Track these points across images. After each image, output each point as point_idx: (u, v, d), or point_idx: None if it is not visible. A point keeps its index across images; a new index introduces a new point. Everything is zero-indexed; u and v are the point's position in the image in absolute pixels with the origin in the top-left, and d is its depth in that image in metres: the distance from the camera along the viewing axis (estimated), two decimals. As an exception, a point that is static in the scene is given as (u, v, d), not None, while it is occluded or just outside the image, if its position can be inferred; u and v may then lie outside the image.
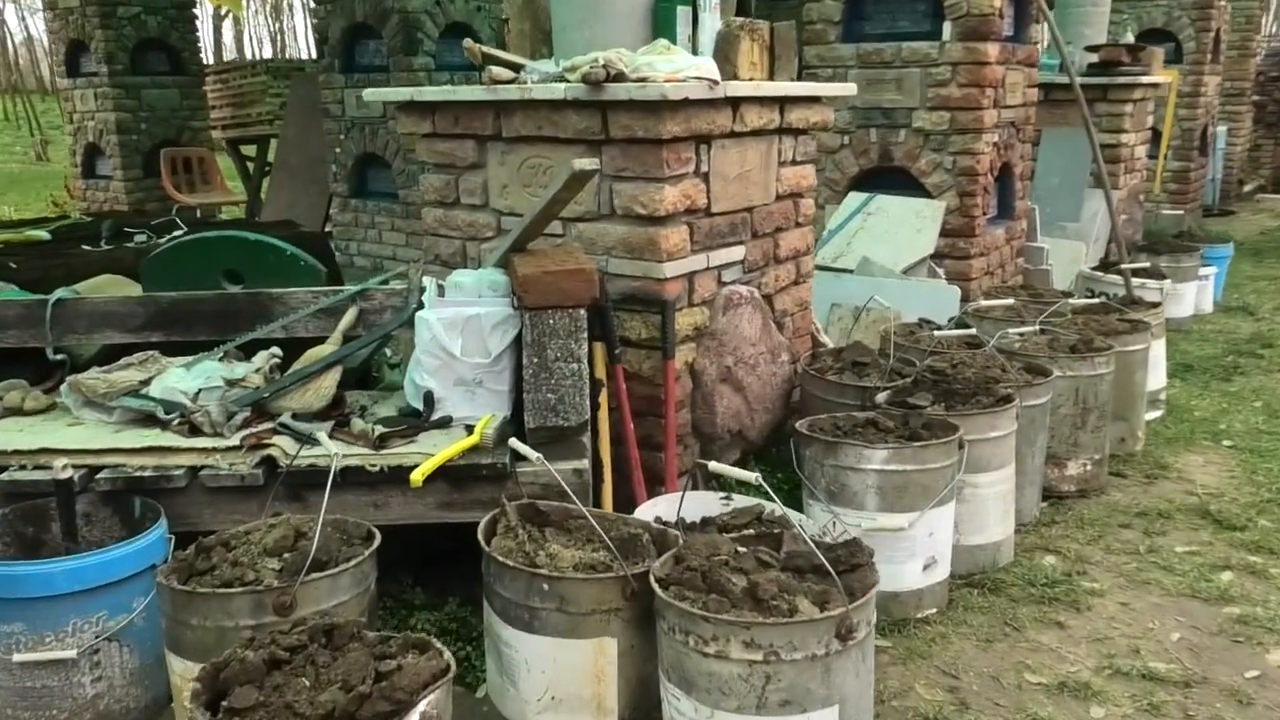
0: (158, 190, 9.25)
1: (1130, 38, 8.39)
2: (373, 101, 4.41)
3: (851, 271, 5.41)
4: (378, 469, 2.67)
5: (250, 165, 10.57)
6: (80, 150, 9.78)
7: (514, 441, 2.66)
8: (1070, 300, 4.70)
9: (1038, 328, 4.21)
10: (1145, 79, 7.89)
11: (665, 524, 2.60)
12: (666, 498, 2.97)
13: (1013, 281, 6.15)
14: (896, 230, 5.46)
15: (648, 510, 2.85)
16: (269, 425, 2.86)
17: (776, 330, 3.76)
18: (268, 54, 37.41)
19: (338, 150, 7.90)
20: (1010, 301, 4.75)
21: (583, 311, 2.80)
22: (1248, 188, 15.55)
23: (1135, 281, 6.00)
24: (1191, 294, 6.77)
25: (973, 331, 4.30)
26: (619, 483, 3.08)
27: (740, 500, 2.93)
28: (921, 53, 5.44)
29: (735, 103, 3.32)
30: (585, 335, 2.82)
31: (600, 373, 3.03)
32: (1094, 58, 8.03)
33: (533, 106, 3.30)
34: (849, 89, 3.98)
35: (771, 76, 3.62)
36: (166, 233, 5.32)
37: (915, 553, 2.94)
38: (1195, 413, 4.86)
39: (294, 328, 3.27)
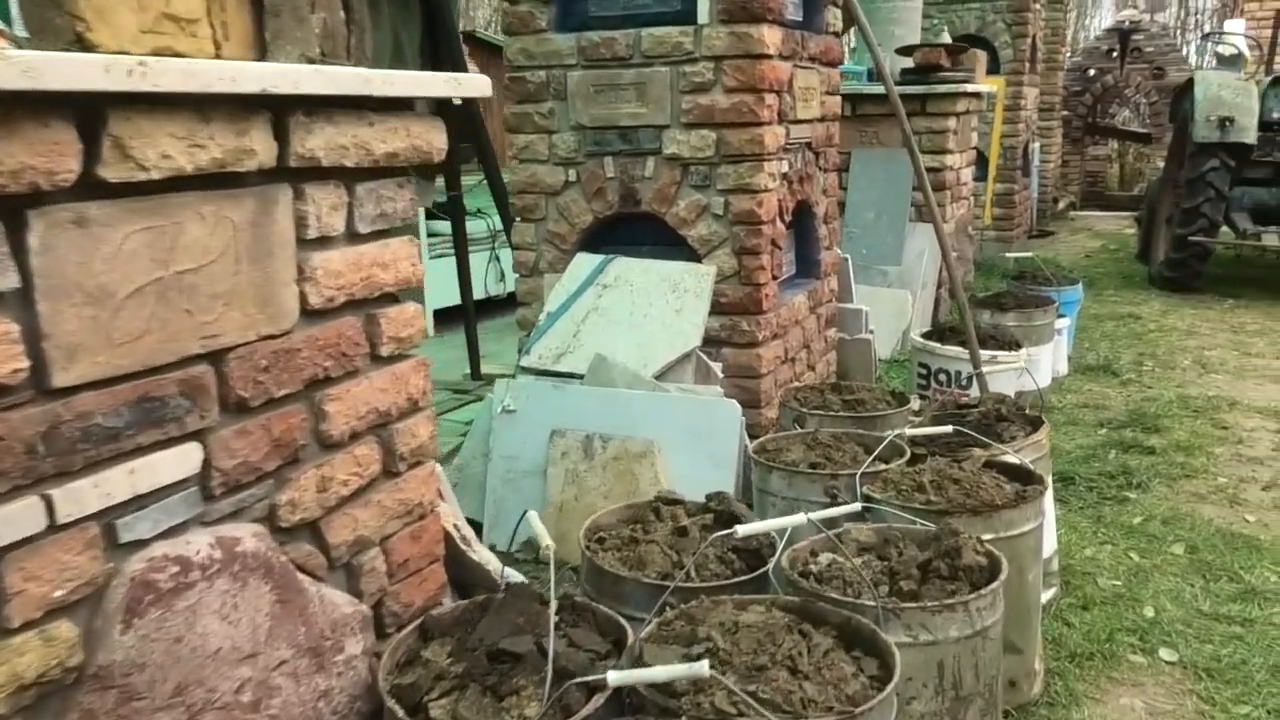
0: None
1: (948, 38, 6.97)
2: None
3: (580, 378, 3.52)
4: None
5: None
6: None
7: None
8: (905, 430, 2.92)
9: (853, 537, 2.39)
10: (969, 87, 6.42)
11: None
12: None
13: (822, 368, 4.41)
14: (646, 310, 3.60)
15: None
16: None
17: (330, 599, 1.76)
18: None
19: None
20: (810, 437, 2.95)
21: None
22: (1061, 205, 14.85)
23: (984, 358, 4.36)
24: (1048, 358, 5.24)
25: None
26: None
27: None
28: (670, 42, 3.62)
29: (99, 109, 1.31)
30: None
31: None
32: (908, 62, 6.52)
33: None
34: (475, 86, 2.03)
35: (263, 54, 1.65)
36: None
37: None
38: (1100, 582, 3.18)
39: None
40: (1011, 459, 2.83)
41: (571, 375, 3.56)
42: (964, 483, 2.48)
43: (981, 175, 8.41)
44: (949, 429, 2.84)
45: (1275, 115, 8.52)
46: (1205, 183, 7.78)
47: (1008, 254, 6.75)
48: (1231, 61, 9.44)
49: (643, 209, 3.81)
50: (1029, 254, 6.64)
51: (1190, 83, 8.33)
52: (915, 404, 3.95)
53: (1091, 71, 16.39)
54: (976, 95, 6.83)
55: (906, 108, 6.53)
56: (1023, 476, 2.63)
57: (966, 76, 6.46)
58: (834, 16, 4.27)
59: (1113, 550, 3.38)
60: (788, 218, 3.89)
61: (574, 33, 3.79)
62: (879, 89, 6.54)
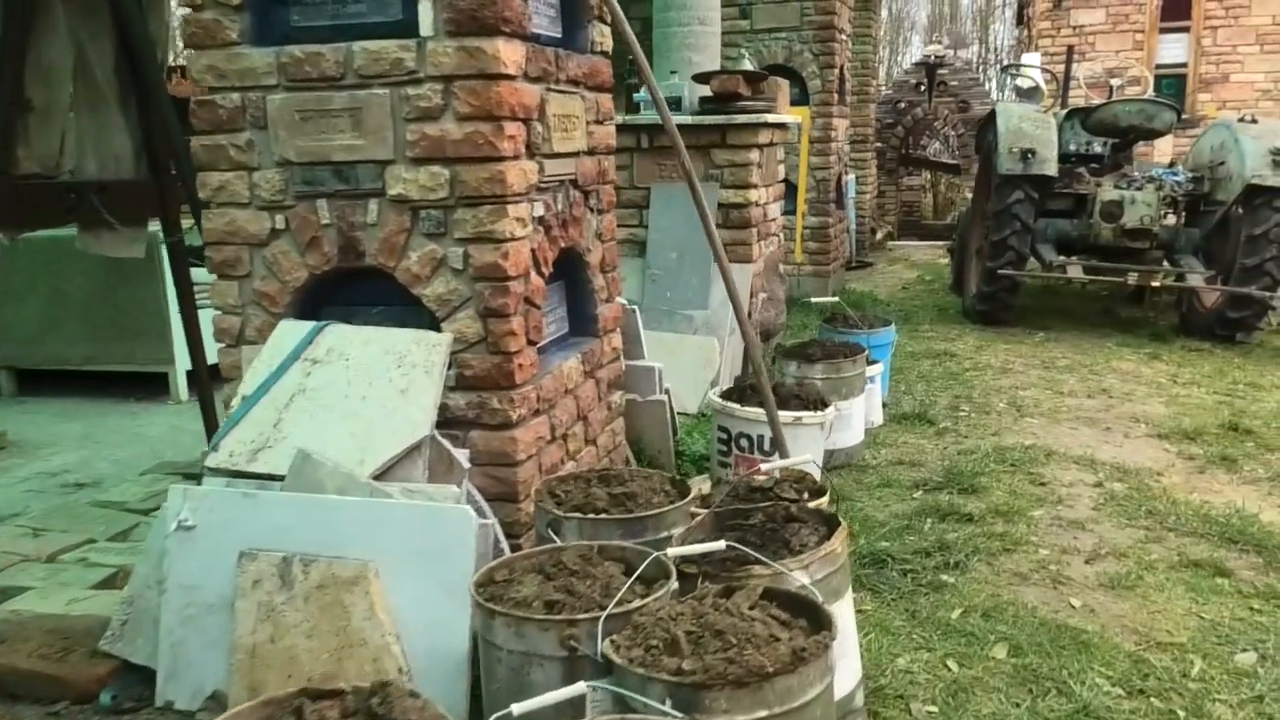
0: None
1: (749, 65, 6.58)
2: None
3: (280, 479, 2.76)
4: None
5: None
6: None
7: None
8: (668, 550, 2.31)
9: None
10: (771, 117, 6.01)
11: None
12: None
13: (606, 440, 3.78)
14: (365, 391, 2.88)
15: None
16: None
17: None
18: None
19: None
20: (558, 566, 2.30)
21: None
22: (879, 236, 14.98)
23: (786, 419, 3.86)
24: (860, 410, 4.81)
25: None
26: None
27: None
28: (389, 58, 2.94)
29: None
30: None
31: None
32: (707, 90, 6.06)
33: None
34: None
35: None
36: None
37: None
38: (915, 709, 2.66)
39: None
40: (800, 574, 2.26)
41: (271, 477, 2.80)
42: (730, 634, 1.88)
43: (790, 208, 8.09)
44: (720, 545, 2.24)
45: (1073, 147, 8.60)
46: (1011, 215, 7.69)
47: (811, 299, 6.39)
48: (1030, 94, 9.55)
49: (368, 263, 3.09)
50: (833, 298, 6.28)
51: (993, 115, 8.29)
52: (705, 485, 3.38)
53: (902, 104, 16.75)
54: (781, 126, 6.45)
55: (706, 139, 6.13)
56: (809, 611, 2.05)
57: (768, 106, 6.05)
58: (601, 34, 3.69)
59: (929, 659, 2.87)
60: (547, 269, 3.25)
61: (274, 47, 3.05)
62: (681, 118, 6.06)
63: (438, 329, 3.04)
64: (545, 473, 3.24)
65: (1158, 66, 11.66)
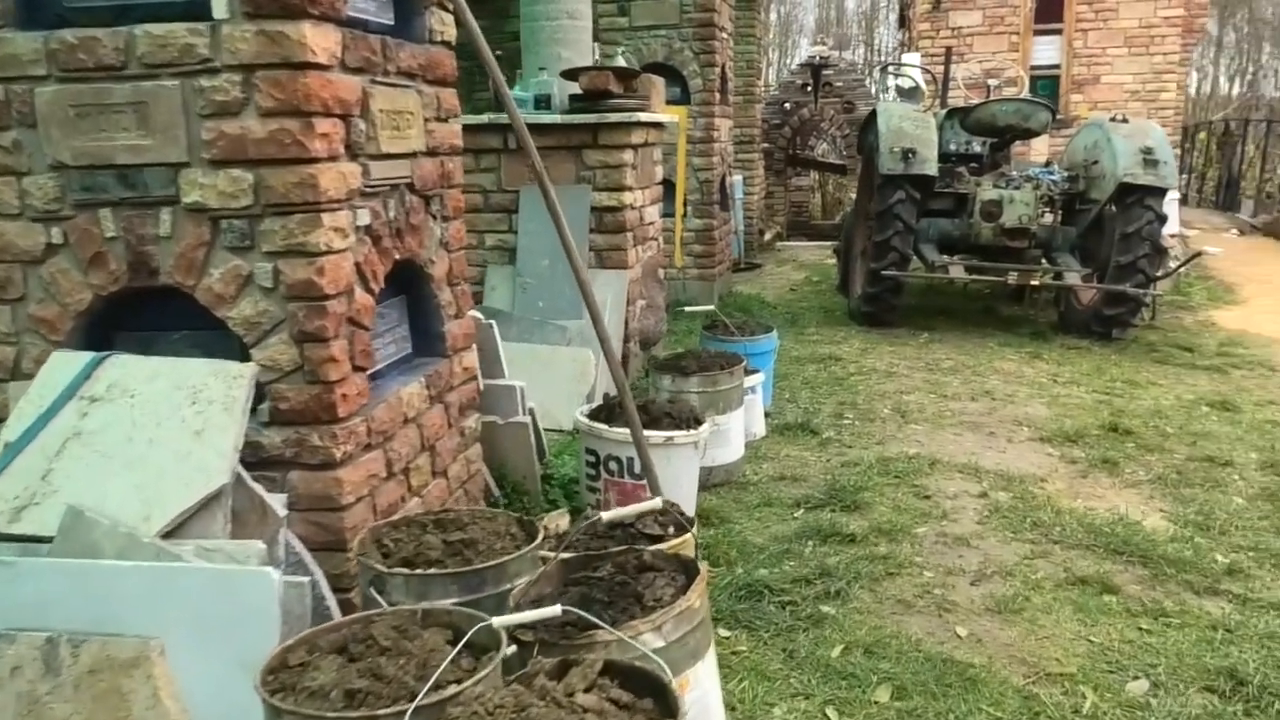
0: None
1: (622, 61, 6.28)
2: None
3: (48, 541, 2.33)
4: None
5: None
6: None
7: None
8: (497, 619, 1.98)
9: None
10: (645, 116, 5.73)
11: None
12: None
13: (459, 471, 3.41)
14: (153, 433, 2.46)
15: None
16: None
17: None
18: None
19: None
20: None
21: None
22: (768, 237, 14.92)
23: (657, 440, 3.58)
24: (739, 425, 4.56)
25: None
26: None
27: None
28: (178, 44, 2.53)
29: None
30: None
31: None
32: (576, 88, 5.74)
33: None
34: None
35: None
36: None
37: None
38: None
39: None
40: (652, 636, 1.97)
41: (38, 539, 2.36)
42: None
43: (669, 211, 7.84)
44: (556, 611, 1.92)
45: (953, 147, 8.60)
46: (894, 215, 7.61)
47: (686, 308, 6.14)
48: (910, 94, 9.54)
49: (163, 282, 2.67)
50: (709, 306, 6.04)
51: (873, 115, 8.21)
52: (563, 520, 3.06)
53: (789, 105, 16.77)
54: (657, 125, 6.19)
55: (577, 139, 5.80)
56: (658, 690, 1.75)
57: (641, 104, 5.78)
58: (442, 22, 3.34)
59: (807, 708, 2.61)
60: (378, 285, 2.88)
61: (43, 31, 2.61)
62: (551, 117, 5.74)
63: (248, 357, 2.64)
64: (382, 514, 2.87)
65: (1032, 68, 11.85)
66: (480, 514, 2.67)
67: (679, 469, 3.74)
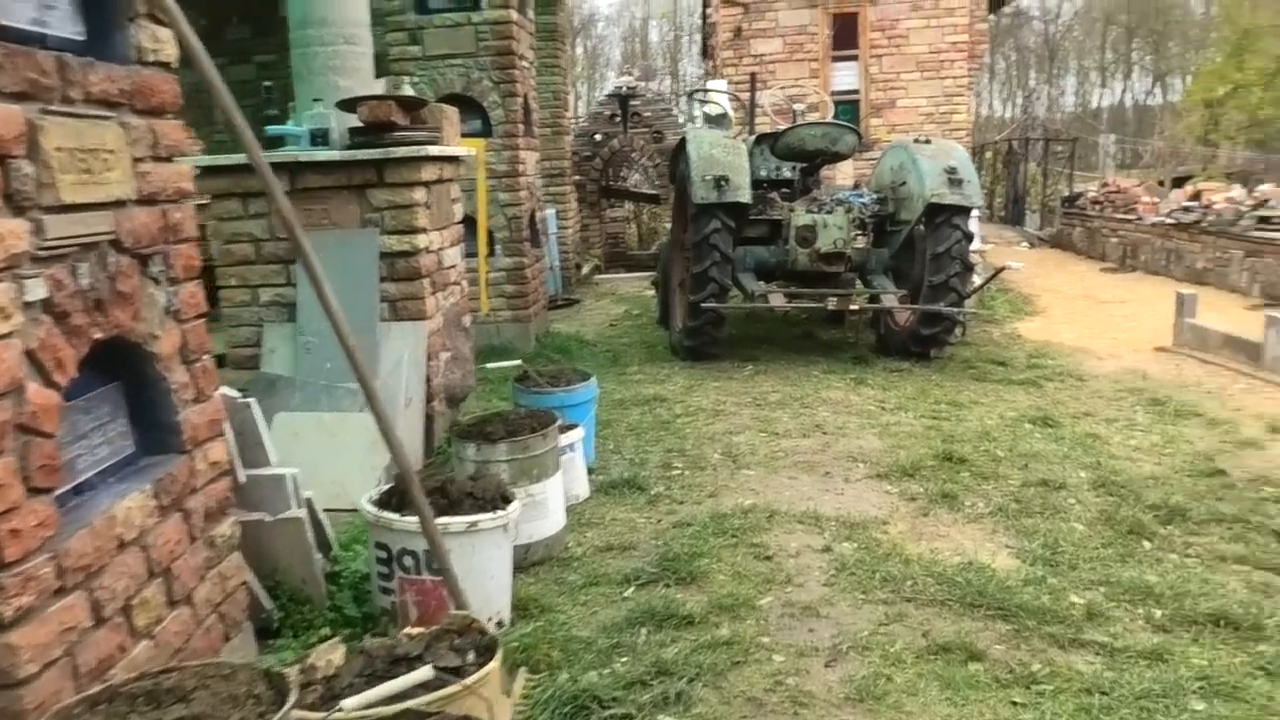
0: None
1: (409, 90, 5.72)
2: None
3: None
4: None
5: None
6: None
7: None
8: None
9: None
10: (436, 150, 5.18)
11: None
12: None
13: (209, 595, 2.73)
14: None
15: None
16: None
17: None
18: None
19: None
20: None
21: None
22: (585, 270, 14.57)
23: (458, 527, 3.04)
24: (558, 491, 4.05)
25: None
26: None
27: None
28: None
29: None
30: None
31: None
32: (357, 119, 5.13)
33: None
34: None
35: None
36: None
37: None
38: None
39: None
40: None
41: None
42: None
43: (473, 250, 7.29)
44: None
45: (764, 173, 8.46)
46: (710, 245, 7.34)
47: (488, 365, 5.61)
48: (718, 121, 9.37)
49: None
50: (514, 362, 5.54)
51: (684, 142, 7.95)
52: (335, 654, 2.45)
53: (598, 136, 16.55)
54: (452, 160, 5.64)
55: (360, 177, 5.15)
56: None
57: (431, 137, 5.22)
58: (155, 40, 2.70)
59: None
60: (66, 375, 2.21)
61: None
62: (329, 153, 5.11)
63: None
64: (91, 675, 2.19)
65: (834, 93, 12.01)
66: (213, 672, 2.04)
67: (487, 559, 3.20)
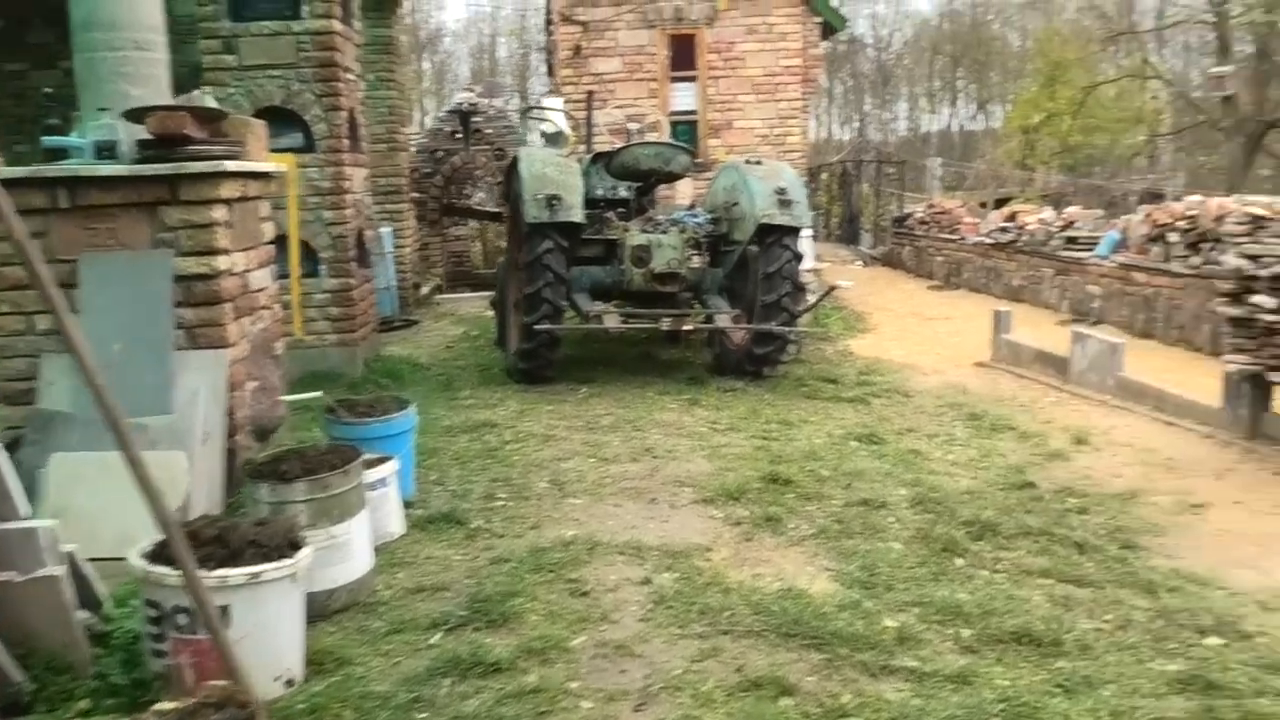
0: None
1: (211, 101, 5.34)
2: None
3: None
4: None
5: None
6: None
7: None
8: None
9: None
10: (236, 165, 4.84)
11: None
12: None
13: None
14: None
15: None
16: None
17: None
18: None
19: None
20: None
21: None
22: (425, 290, 14.17)
23: (239, 579, 2.77)
24: (364, 531, 3.80)
25: None
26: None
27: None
28: None
29: None
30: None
31: None
32: (146, 131, 4.74)
33: None
34: None
35: None
36: None
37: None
38: None
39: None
40: None
41: None
42: None
43: (285, 271, 6.92)
44: None
45: (600, 192, 8.39)
46: (543, 266, 7.21)
47: (286, 396, 5.31)
48: (555, 139, 9.27)
49: None
50: (315, 394, 5.25)
51: (516, 161, 7.80)
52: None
53: (440, 153, 16.20)
54: (260, 176, 5.30)
55: (151, 194, 4.71)
56: None
57: (232, 151, 4.88)
58: None
59: None
60: None
61: None
62: (114, 168, 4.69)
63: None
64: None
65: (672, 113, 12.11)
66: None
67: (273, 613, 2.94)
